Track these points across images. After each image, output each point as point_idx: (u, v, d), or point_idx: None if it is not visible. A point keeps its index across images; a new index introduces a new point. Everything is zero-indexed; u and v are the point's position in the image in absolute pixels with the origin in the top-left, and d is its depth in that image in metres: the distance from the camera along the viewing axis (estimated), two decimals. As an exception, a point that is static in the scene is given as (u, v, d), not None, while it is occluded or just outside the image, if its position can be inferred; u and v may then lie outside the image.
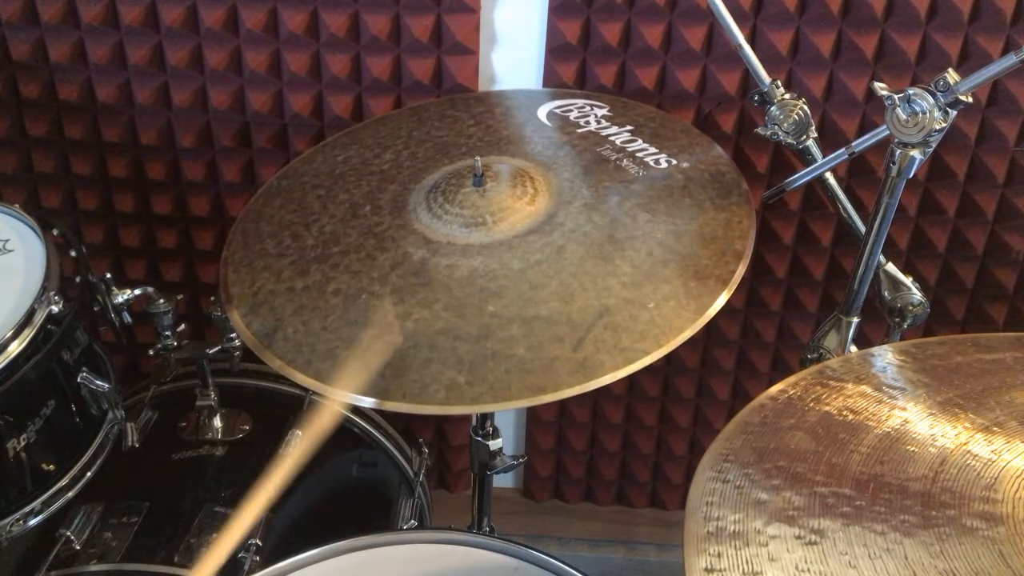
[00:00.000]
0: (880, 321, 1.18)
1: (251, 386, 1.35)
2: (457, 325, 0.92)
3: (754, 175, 1.41)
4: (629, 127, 1.18)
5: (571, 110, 1.22)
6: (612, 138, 1.16)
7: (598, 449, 1.73)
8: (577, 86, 1.36)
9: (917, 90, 0.91)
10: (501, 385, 0.87)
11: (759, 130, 1.13)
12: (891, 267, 1.14)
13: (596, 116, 1.20)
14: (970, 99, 0.91)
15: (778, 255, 1.49)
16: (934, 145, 0.95)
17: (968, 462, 0.73)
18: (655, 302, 0.93)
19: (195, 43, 1.36)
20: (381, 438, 1.37)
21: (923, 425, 0.77)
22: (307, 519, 1.22)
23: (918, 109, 0.92)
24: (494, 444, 1.20)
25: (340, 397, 0.90)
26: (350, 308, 0.96)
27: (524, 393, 0.87)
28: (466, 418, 1.57)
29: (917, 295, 1.13)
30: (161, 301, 1.21)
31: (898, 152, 0.96)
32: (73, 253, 1.08)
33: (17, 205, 1.10)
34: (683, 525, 0.70)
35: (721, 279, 0.95)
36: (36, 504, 1.04)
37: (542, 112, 1.23)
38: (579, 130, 1.18)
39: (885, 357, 0.89)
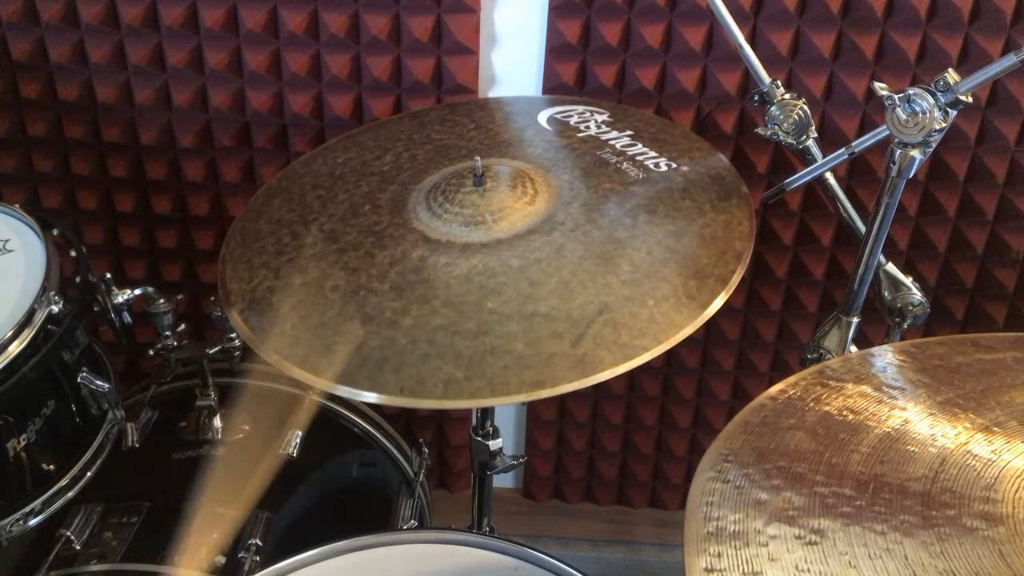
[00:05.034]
0: (880, 321, 1.18)
1: (251, 386, 1.34)
2: (456, 321, 0.92)
3: (754, 175, 1.41)
4: (629, 132, 1.18)
5: (571, 115, 1.23)
6: (612, 142, 1.16)
7: (598, 449, 1.73)
8: (577, 86, 1.36)
9: (917, 90, 0.91)
10: (499, 380, 0.87)
11: (759, 130, 1.13)
12: (891, 267, 1.14)
13: (596, 121, 1.21)
14: (970, 99, 0.91)
15: (778, 255, 1.49)
16: (934, 145, 0.95)
17: (968, 462, 0.73)
18: (655, 299, 0.93)
19: (195, 43, 1.36)
20: (381, 438, 1.37)
21: (923, 425, 0.77)
22: (307, 519, 1.22)
23: (918, 109, 0.92)
24: (494, 444, 1.20)
25: (337, 392, 0.90)
26: (348, 304, 0.96)
27: (522, 388, 0.86)
28: (466, 418, 1.57)
29: (917, 295, 1.13)
30: (161, 301, 1.21)
31: (898, 152, 0.96)
32: (73, 253, 1.08)
33: (17, 205, 1.11)
34: (683, 525, 0.70)
35: (721, 278, 0.95)
36: (36, 504, 1.03)
37: (542, 117, 1.23)
38: (579, 134, 1.18)
39: (885, 357, 0.89)
